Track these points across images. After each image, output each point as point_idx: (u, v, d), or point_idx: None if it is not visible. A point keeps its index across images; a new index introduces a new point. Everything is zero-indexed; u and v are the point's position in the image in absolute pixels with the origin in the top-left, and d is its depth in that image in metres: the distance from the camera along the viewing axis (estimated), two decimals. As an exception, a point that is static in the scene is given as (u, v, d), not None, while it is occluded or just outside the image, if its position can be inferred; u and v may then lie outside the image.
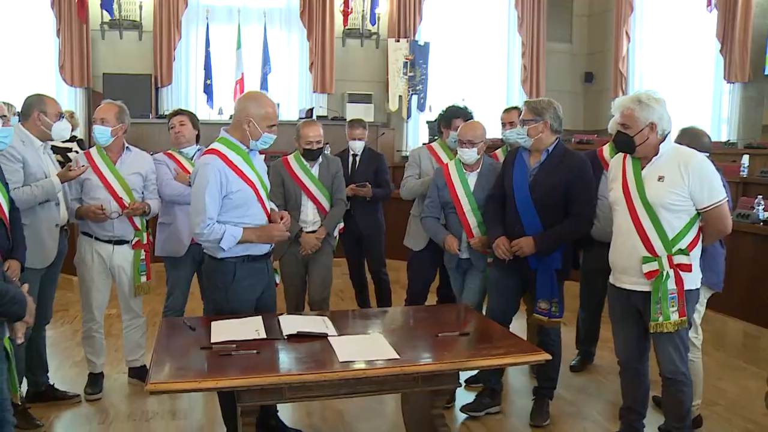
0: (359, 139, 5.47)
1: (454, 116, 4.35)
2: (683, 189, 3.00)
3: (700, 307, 3.64)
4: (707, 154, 3.24)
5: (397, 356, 2.64)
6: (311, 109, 9.36)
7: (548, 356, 2.85)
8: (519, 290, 3.79)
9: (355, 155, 5.49)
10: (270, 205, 3.41)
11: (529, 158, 3.63)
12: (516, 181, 3.59)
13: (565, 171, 3.54)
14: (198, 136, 4.44)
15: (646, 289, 3.08)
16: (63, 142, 6.87)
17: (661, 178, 3.04)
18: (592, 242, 4.08)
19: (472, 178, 3.92)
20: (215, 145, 3.28)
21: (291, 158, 4.49)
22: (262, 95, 3.42)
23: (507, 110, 4.56)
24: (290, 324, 3.01)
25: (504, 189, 3.69)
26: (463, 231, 3.91)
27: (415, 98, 10.44)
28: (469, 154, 3.87)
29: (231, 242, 3.18)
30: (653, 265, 3.04)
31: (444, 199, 3.97)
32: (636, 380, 3.34)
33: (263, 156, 3.64)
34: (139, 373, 4.27)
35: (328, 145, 6.10)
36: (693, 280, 3.11)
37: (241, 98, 3.36)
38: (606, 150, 4.11)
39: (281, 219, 3.32)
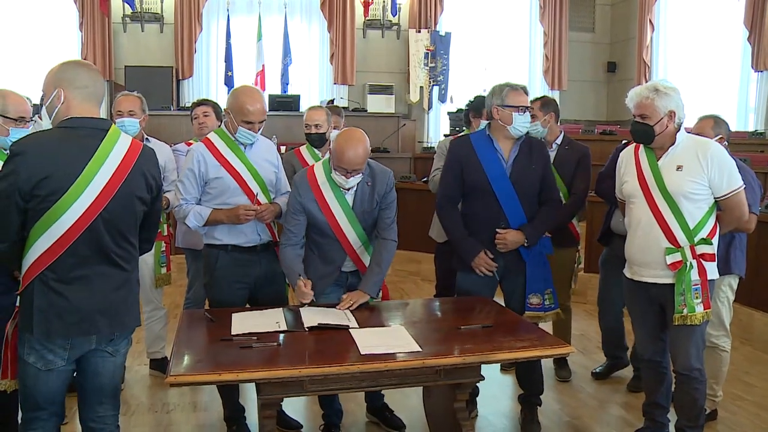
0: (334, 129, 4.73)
1: (483, 105, 4.28)
2: (702, 177, 2.96)
3: (731, 295, 3.60)
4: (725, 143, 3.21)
5: (419, 349, 2.61)
6: (332, 101, 9.35)
7: (572, 349, 2.81)
8: (493, 290, 3.62)
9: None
10: (265, 198, 3.41)
11: (499, 145, 3.47)
12: (492, 173, 3.43)
13: (537, 158, 3.49)
14: None
15: (668, 281, 3.03)
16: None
17: (679, 168, 3.00)
18: (612, 235, 4.03)
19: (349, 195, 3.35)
20: (210, 134, 3.44)
21: (304, 150, 4.46)
22: (244, 90, 3.39)
23: (533, 102, 4.43)
24: (311, 316, 2.99)
25: (462, 186, 3.51)
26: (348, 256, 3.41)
27: (436, 89, 10.40)
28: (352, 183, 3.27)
29: (197, 220, 3.33)
30: (676, 256, 2.99)
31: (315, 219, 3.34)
32: (659, 374, 3.30)
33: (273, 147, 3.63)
34: (160, 365, 4.30)
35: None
36: (714, 270, 3.07)
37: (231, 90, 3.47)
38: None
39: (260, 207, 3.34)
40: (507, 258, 3.48)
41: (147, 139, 4.15)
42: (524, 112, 3.41)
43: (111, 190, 2.35)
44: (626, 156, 3.24)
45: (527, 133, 3.51)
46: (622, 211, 3.35)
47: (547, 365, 4.46)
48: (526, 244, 3.46)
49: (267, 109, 3.40)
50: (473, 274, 3.50)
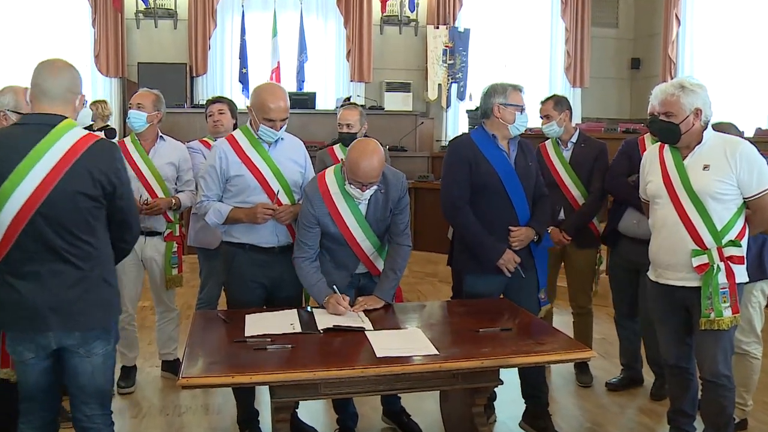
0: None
1: None
2: (731, 177, 2.91)
3: (763, 300, 3.56)
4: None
5: (436, 352, 2.60)
6: (348, 98, 9.36)
7: (594, 354, 2.79)
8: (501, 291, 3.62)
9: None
10: (288, 198, 3.42)
11: (501, 144, 3.48)
12: (502, 170, 3.43)
13: (530, 156, 3.57)
14: (235, 126, 4.42)
15: (695, 284, 2.99)
16: (93, 130, 6.98)
17: (706, 167, 2.95)
18: (619, 238, 3.99)
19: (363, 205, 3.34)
20: (235, 131, 3.48)
21: (337, 148, 4.50)
22: (266, 87, 3.44)
23: (544, 102, 4.37)
24: (326, 318, 3.00)
25: (473, 186, 3.48)
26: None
27: (455, 87, 10.37)
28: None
29: (217, 217, 3.36)
30: (703, 259, 2.95)
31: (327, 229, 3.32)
32: (685, 381, 3.25)
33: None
34: (172, 367, 4.32)
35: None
36: (742, 273, 3.02)
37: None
38: (648, 138, 3.91)
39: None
40: (521, 255, 3.49)
41: (162, 137, 4.16)
42: (523, 112, 3.46)
43: (48, 186, 2.38)
44: (650, 155, 3.21)
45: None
46: (646, 212, 3.31)
47: (568, 370, 4.44)
48: (536, 240, 3.50)
49: (289, 107, 3.39)
50: (483, 275, 3.51)
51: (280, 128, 3.34)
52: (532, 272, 3.56)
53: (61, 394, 2.69)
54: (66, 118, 2.48)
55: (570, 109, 4.25)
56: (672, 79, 3.55)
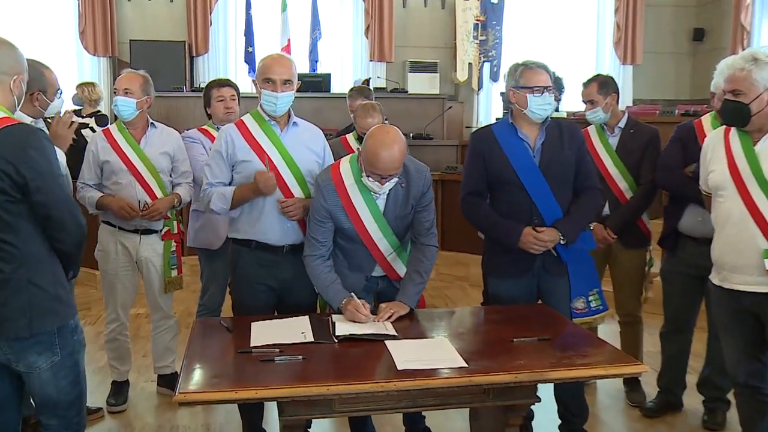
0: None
1: None
2: None
3: None
4: None
5: (465, 364, 2.61)
6: (367, 80, 9.36)
7: (645, 368, 2.78)
8: (533, 296, 3.62)
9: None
10: (301, 191, 3.46)
11: (523, 132, 3.48)
12: (519, 163, 3.43)
13: (569, 142, 3.49)
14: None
15: (766, 290, 2.94)
16: (81, 116, 7.04)
17: None
18: (680, 239, 3.90)
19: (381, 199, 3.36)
20: (245, 115, 3.53)
21: (350, 137, 4.57)
22: (270, 54, 3.50)
23: (586, 85, 4.32)
24: (346, 325, 3.03)
25: (488, 181, 3.52)
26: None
27: (487, 66, 10.34)
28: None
29: (222, 202, 3.40)
30: (776, 259, 2.90)
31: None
32: (758, 403, 3.17)
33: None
34: (169, 382, 4.34)
35: (387, 121, 6.07)
36: None
37: None
38: (706, 121, 3.86)
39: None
40: (544, 258, 3.48)
41: (153, 124, 4.18)
42: (541, 93, 3.39)
43: None
44: (713, 141, 3.17)
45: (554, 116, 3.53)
46: (707, 206, 3.28)
47: (617, 387, 4.43)
48: (563, 242, 3.45)
49: (296, 74, 3.44)
50: (506, 278, 3.53)
51: (282, 92, 3.34)
52: (563, 279, 3.54)
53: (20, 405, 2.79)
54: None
55: (617, 91, 4.24)
56: (743, 50, 3.45)
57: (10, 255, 2.50)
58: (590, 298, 3.57)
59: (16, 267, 2.50)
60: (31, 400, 3.05)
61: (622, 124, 4.21)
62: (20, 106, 2.71)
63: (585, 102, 4.28)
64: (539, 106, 3.39)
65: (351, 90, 5.75)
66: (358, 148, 3.23)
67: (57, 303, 2.62)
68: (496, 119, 8.60)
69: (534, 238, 3.40)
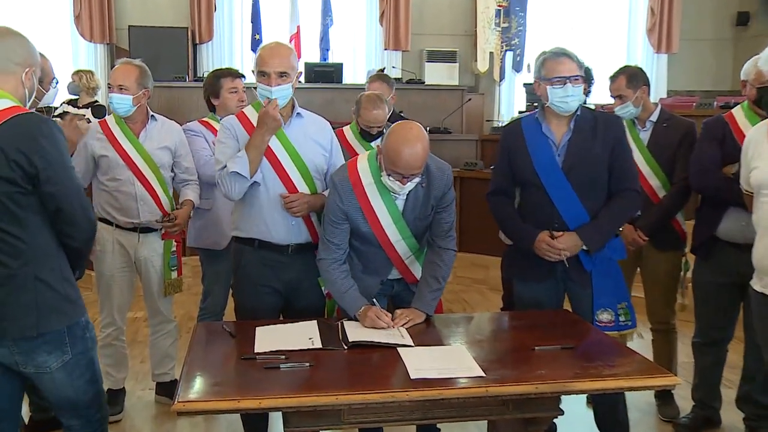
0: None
1: None
2: None
3: None
4: None
5: (483, 374, 2.60)
6: (382, 70, 9.37)
7: (678, 380, 2.76)
8: (559, 304, 3.63)
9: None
10: (306, 186, 3.46)
11: (549, 128, 3.45)
12: (539, 162, 3.41)
13: (603, 138, 3.42)
14: None
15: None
16: (77, 107, 7.06)
17: None
18: (716, 245, 3.82)
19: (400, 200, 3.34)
20: (246, 107, 3.55)
21: (348, 129, 4.53)
22: (267, 43, 3.49)
23: (613, 78, 4.28)
24: (359, 331, 3.03)
25: (513, 179, 3.53)
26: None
27: (509, 55, 10.34)
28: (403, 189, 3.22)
29: (239, 162, 3.30)
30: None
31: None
32: None
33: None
34: (168, 390, 4.33)
35: (402, 113, 6.08)
36: None
37: None
38: (739, 114, 3.79)
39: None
40: (570, 265, 3.45)
41: (153, 117, 4.17)
42: (563, 85, 3.35)
43: None
44: (755, 136, 3.14)
45: (583, 106, 3.46)
46: (749, 206, 3.25)
47: (647, 400, 4.41)
48: (585, 249, 3.41)
49: (297, 65, 3.43)
50: (534, 282, 3.52)
51: (275, 84, 3.31)
52: (586, 290, 3.50)
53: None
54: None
55: (648, 83, 4.20)
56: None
57: (17, 250, 2.54)
58: (619, 311, 3.51)
59: (23, 263, 2.55)
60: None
61: (654, 117, 4.17)
62: (31, 99, 2.76)
63: (613, 97, 4.22)
64: (560, 99, 3.36)
65: (371, 76, 5.71)
66: (378, 146, 3.17)
67: (65, 301, 2.67)
68: (519, 113, 8.58)
69: (547, 245, 3.39)
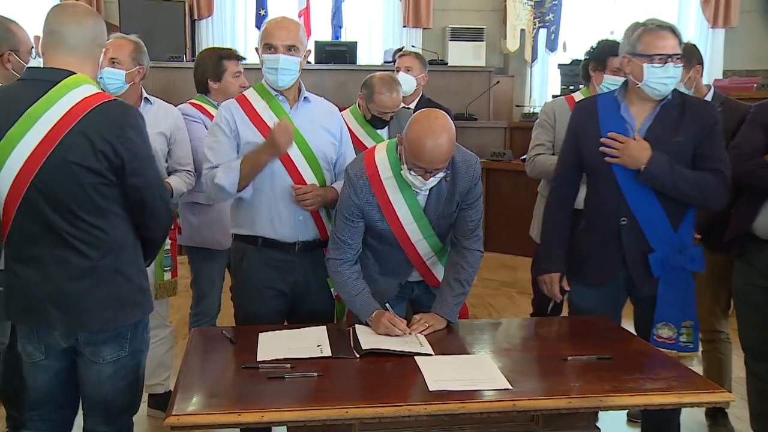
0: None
1: (610, 53, 4.24)
2: None
3: None
4: None
5: (509, 386, 2.61)
6: (400, 50, 9.36)
7: (732, 397, 2.74)
8: (620, 312, 3.61)
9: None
10: (314, 178, 3.46)
11: (629, 109, 3.40)
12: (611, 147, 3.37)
13: (691, 126, 3.33)
14: None
15: None
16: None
17: None
18: (752, 243, 3.71)
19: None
20: (248, 90, 3.56)
21: (348, 114, 4.47)
22: (274, 17, 3.51)
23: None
24: (372, 338, 3.04)
25: (578, 166, 3.51)
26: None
27: (543, 33, 10.32)
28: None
29: (229, 174, 3.32)
30: None
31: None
32: None
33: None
34: (162, 402, 4.35)
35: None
36: None
37: None
38: None
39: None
40: (634, 269, 3.42)
41: (147, 99, 4.16)
42: (663, 64, 3.26)
43: (42, 155, 2.55)
44: None
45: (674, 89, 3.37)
46: None
47: (697, 420, 4.39)
48: (643, 169, 3.27)
49: (306, 42, 3.45)
50: (593, 286, 3.50)
51: (285, 55, 3.33)
52: (646, 302, 3.47)
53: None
54: (73, 73, 2.64)
55: (701, 61, 4.18)
56: None
57: (99, 241, 2.66)
58: (681, 330, 3.43)
59: (104, 254, 2.67)
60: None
61: (708, 99, 4.14)
62: None
63: None
64: (659, 80, 3.28)
65: (402, 51, 5.71)
66: (399, 136, 3.13)
67: (140, 294, 2.82)
68: (553, 97, 8.57)
69: (554, 283, 3.55)
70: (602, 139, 3.33)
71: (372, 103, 4.35)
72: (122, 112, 2.67)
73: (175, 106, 4.41)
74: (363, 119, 4.43)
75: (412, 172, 3.08)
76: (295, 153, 3.41)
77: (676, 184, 3.26)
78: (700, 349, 4.29)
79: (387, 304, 3.21)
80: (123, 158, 2.62)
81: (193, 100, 4.54)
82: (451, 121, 3.09)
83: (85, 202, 2.61)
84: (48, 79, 2.61)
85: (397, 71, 5.12)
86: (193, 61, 8.77)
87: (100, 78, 3.94)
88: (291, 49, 3.34)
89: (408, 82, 5.01)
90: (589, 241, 3.52)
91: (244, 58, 4.63)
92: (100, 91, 2.69)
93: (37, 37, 3.11)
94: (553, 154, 4.38)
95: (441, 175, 3.13)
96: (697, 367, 3.94)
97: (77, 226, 2.61)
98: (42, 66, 2.70)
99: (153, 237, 2.89)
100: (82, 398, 2.88)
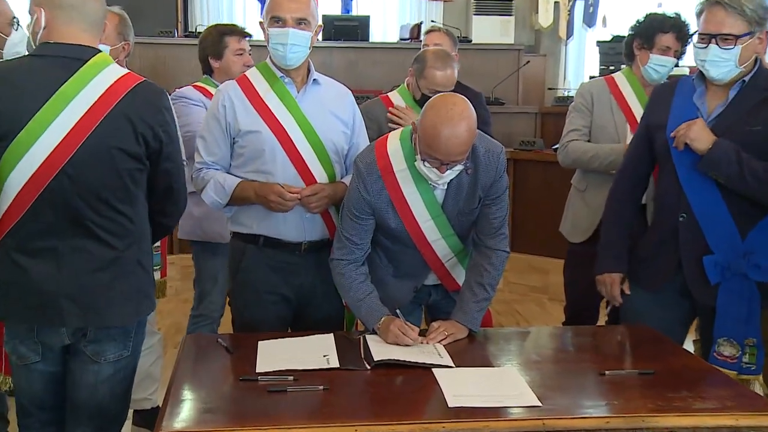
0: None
1: (659, 29, 4.22)
2: None
3: None
4: None
5: (539, 403, 2.60)
6: (418, 25, 9.34)
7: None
8: (684, 322, 3.60)
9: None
10: (323, 172, 3.44)
11: (705, 95, 3.37)
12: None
13: None
14: None
15: None
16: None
17: None
18: None
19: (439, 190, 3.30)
20: (250, 70, 3.55)
21: (396, 96, 4.45)
22: None
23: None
24: (385, 348, 3.03)
25: (650, 153, 3.49)
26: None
27: (580, 6, 10.30)
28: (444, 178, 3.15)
29: (218, 194, 3.38)
30: None
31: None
32: None
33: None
34: (148, 419, 4.33)
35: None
36: None
37: None
38: None
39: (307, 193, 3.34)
40: (689, 273, 3.39)
41: (133, 77, 4.16)
42: (705, 45, 3.24)
43: (78, 139, 2.59)
44: None
45: (757, 69, 3.32)
46: None
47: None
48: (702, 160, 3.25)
49: (318, 17, 3.46)
50: (647, 289, 3.49)
51: (295, 29, 3.29)
52: (707, 313, 3.45)
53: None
54: (99, 51, 2.72)
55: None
56: None
57: (126, 231, 2.76)
58: (746, 349, 3.37)
59: (129, 244, 2.77)
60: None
61: (747, 78, 4.08)
62: None
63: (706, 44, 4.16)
64: (701, 62, 3.27)
65: (429, 27, 5.72)
66: (413, 122, 3.10)
67: (152, 286, 2.94)
68: (590, 78, 8.55)
69: (614, 283, 3.53)
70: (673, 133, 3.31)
71: (423, 79, 4.25)
72: (157, 94, 2.79)
73: (164, 85, 4.40)
74: (413, 100, 4.36)
75: (426, 164, 3.04)
76: (301, 143, 3.38)
77: (742, 176, 3.20)
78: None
79: (397, 311, 3.20)
80: (162, 142, 2.75)
81: (197, 83, 4.58)
82: (472, 108, 3.05)
83: (119, 189, 2.69)
84: (75, 57, 2.66)
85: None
86: (185, 36, 8.90)
87: None
88: (301, 23, 3.31)
89: None
90: (648, 238, 3.53)
91: (250, 35, 4.65)
92: (128, 70, 2.78)
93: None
94: (588, 141, 4.39)
95: (459, 167, 3.10)
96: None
97: (104, 214, 2.68)
98: (51, 41, 2.71)
99: (169, 224, 3.05)
100: (71, 406, 2.89)
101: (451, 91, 3.91)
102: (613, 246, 3.58)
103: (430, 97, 4.00)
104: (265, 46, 3.40)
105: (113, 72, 2.69)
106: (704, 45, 3.23)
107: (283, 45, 3.30)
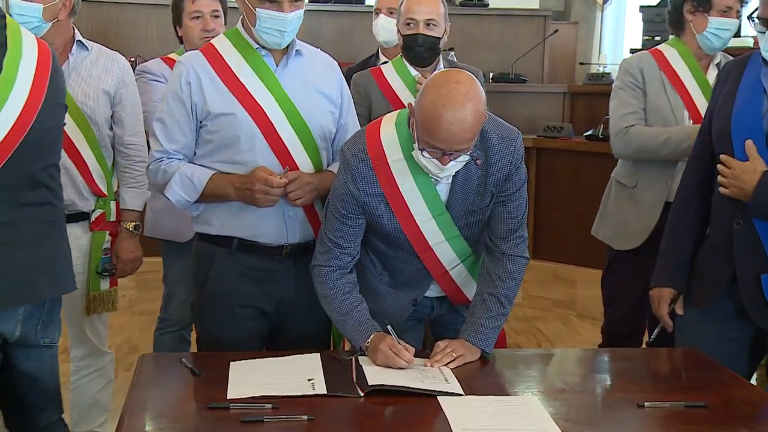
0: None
1: None
2: None
3: None
4: None
5: (565, 439, 2.64)
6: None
7: None
8: (747, 349, 3.56)
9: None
10: (308, 159, 3.45)
11: None
12: (738, 121, 3.32)
13: None
14: None
15: None
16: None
17: None
18: None
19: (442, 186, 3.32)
20: (217, 38, 3.50)
21: (388, 68, 4.46)
22: None
23: None
24: (381, 373, 3.03)
25: (716, 142, 3.45)
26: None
27: (617, -34, 10.32)
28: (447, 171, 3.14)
29: (186, 190, 3.36)
30: None
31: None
32: None
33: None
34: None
35: (452, 52, 6.08)
36: None
37: None
38: None
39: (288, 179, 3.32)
40: (744, 289, 3.38)
41: (81, 43, 4.05)
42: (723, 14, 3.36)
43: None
44: None
45: None
46: None
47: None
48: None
49: None
50: (696, 305, 3.51)
51: (293, 12, 3.26)
52: (746, 330, 3.48)
53: None
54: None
55: None
56: None
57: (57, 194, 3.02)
58: None
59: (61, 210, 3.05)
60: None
61: None
62: None
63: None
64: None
65: None
66: (410, 104, 3.10)
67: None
68: (631, 51, 8.55)
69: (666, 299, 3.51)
70: (718, 166, 3.32)
71: (399, 16, 4.27)
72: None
73: (126, 55, 4.39)
74: (402, 65, 4.35)
75: (426, 154, 3.01)
76: (283, 126, 3.37)
77: None
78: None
79: (388, 326, 3.15)
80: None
81: (169, 55, 4.61)
82: (479, 87, 3.01)
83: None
84: None
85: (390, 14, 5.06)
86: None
87: (10, 12, 3.65)
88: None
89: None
90: (703, 247, 3.53)
91: None
92: None
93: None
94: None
95: (465, 158, 3.07)
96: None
97: (53, 175, 2.94)
98: None
99: None
100: (28, 396, 3.04)
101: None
102: (669, 255, 3.56)
103: (408, 40, 4.20)
104: (239, 13, 3.37)
105: (28, 40, 2.87)
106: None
107: (279, 32, 3.27)
